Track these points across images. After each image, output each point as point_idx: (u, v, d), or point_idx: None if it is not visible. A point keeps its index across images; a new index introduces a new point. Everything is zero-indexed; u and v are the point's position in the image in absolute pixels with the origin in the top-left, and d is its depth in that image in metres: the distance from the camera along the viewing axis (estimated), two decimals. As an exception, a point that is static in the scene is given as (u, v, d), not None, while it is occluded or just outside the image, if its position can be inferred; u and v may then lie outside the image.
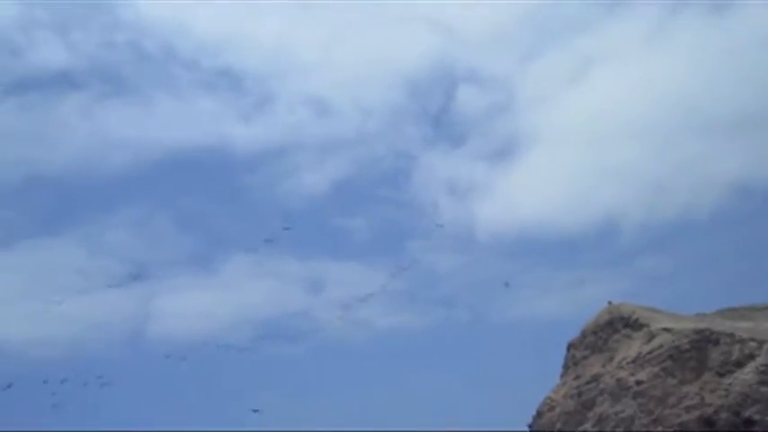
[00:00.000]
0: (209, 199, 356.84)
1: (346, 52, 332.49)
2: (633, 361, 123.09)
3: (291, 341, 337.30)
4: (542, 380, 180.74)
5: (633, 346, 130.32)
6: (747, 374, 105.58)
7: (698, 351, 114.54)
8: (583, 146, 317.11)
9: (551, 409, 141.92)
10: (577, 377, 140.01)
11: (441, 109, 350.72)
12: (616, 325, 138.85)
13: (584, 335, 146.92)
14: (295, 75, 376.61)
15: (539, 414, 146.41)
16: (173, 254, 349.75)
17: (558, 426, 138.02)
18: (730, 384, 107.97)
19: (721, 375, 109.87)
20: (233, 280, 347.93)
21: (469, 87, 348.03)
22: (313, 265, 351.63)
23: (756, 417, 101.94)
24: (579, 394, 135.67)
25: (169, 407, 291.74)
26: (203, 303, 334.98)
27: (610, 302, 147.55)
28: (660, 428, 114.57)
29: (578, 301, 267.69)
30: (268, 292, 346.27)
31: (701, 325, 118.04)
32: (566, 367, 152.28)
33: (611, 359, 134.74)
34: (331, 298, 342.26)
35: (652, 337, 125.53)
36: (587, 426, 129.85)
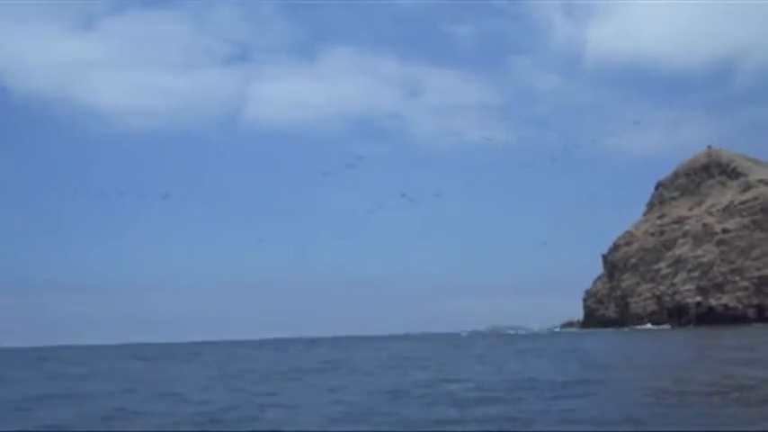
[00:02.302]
0: None
1: None
2: (724, 209, 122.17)
3: (380, 140, 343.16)
4: (625, 214, 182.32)
5: (726, 194, 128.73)
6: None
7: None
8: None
9: (629, 243, 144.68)
10: (662, 216, 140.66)
11: None
12: (712, 170, 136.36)
13: (676, 175, 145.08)
14: None
15: (615, 246, 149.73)
16: (277, 40, 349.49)
17: (633, 260, 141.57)
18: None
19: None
20: (332, 73, 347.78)
21: None
22: (412, 69, 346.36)
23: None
24: (661, 233, 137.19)
25: (256, 187, 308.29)
26: (300, 92, 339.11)
27: (709, 147, 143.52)
28: (738, 278, 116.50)
29: (676, 141, 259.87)
30: (365, 89, 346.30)
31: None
32: (651, 205, 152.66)
33: (701, 203, 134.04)
34: (426, 103, 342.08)
35: (748, 187, 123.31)
36: (662, 264, 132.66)
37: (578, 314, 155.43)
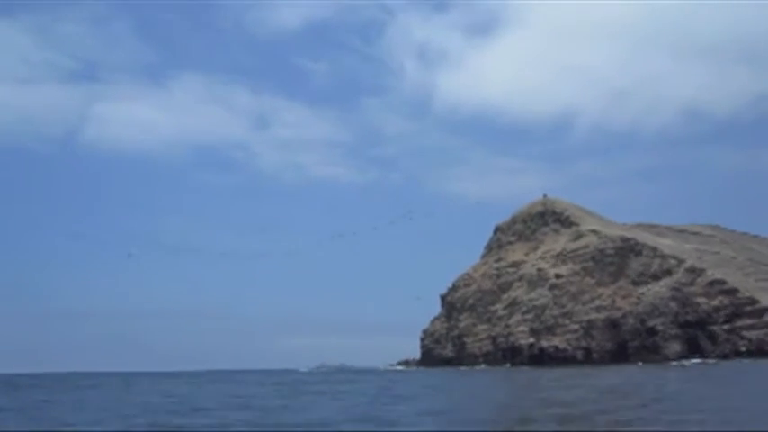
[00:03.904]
0: (176, 11, 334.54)
1: None
2: (557, 255, 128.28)
3: (226, 171, 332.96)
4: (463, 256, 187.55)
5: (559, 241, 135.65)
6: (661, 288, 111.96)
7: (620, 257, 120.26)
8: (561, 39, 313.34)
9: (467, 284, 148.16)
10: (499, 259, 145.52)
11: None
12: (547, 218, 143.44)
13: (513, 221, 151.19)
14: None
15: (454, 287, 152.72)
16: (126, 61, 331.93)
17: (471, 301, 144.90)
18: (643, 294, 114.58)
19: (636, 284, 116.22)
20: (181, 99, 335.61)
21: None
22: (263, 101, 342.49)
23: (660, 328, 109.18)
24: (498, 276, 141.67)
25: (81, 212, 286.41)
26: (146, 116, 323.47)
27: (545, 195, 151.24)
28: (568, 322, 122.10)
29: (514, 189, 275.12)
30: (213, 118, 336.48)
31: (628, 234, 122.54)
32: (489, 248, 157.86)
33: (536, 249, 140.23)
34: (274, 136, 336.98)
35: (579, 236, 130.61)
36: (498, 306, 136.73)
37: (416, 353, 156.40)
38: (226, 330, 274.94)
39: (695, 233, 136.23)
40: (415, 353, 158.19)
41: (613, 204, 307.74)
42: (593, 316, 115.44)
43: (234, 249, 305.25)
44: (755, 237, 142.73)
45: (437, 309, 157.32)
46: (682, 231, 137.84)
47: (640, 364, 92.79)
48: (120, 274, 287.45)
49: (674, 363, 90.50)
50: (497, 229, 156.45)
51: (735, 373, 52.37)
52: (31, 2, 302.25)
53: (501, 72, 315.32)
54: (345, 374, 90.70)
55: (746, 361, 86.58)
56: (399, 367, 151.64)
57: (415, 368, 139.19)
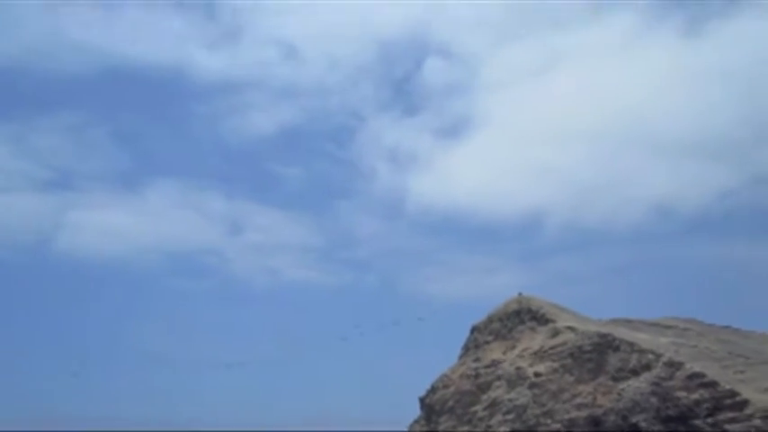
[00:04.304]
0: (150, 119, 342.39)
1: (326, 3, 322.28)
2: (535, 353, 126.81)
3: (198, 277, 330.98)
4: (441, 358, 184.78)
5: (537, 339, 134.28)
6: (641, 383, 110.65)
7: (598, 354, 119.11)
8: (529, 140, 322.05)
9: (446, 386, 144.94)
10: (477, 359, 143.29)
11: (404, 76, 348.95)
12: (523, 316, 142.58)
13: (490, 320, 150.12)
14: (271, 13, 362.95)
15: (433, 389, 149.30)
16: (100, 168, 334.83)
17: (451, 403, 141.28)
18: (623, 390, 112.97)
19: (616, 380, 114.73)
20: (155, 205, 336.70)
21: (438, 61, 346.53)
22: (238, 206, 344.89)
23: (643, 424, 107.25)
24: (476, 376, 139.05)
25: (59, 321, 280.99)
26: (120, 223, 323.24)
27: (520, 293, 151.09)
28: (549, 421, 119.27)
29: (489, 288, 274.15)
30: (187, 223, 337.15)
31: (605, 329, 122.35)
32: (466, 348, 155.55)
33: (513, 348, 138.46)
34: (247, 241, 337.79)
35: (556, 333, 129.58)
36: (479, 408, 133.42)
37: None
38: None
39: (670, 327, 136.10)
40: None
41: (588, 300, 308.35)
42: (575, 414, 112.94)
43: (204, 356, 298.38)
44: (731, 328, 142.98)
45: (416, 412, 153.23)
46: (656, 325, 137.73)
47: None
48: (98, 382, 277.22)
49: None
50: (474, 329, 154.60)
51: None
52: (7, 112, 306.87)
53: (469, 173, 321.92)
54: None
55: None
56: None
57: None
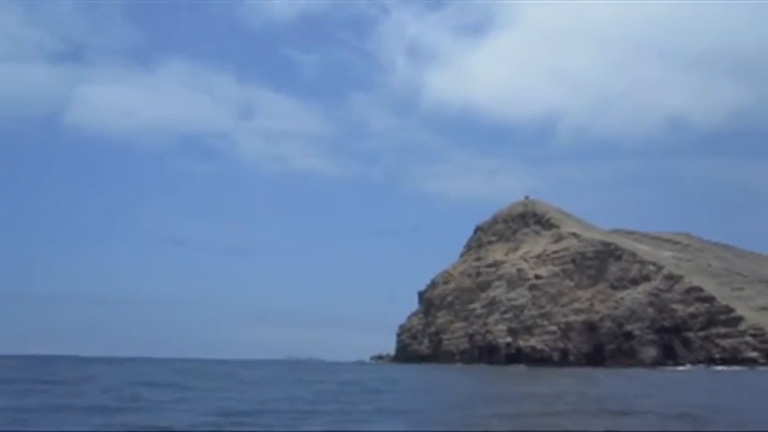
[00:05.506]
0: None
1: None
2: (537, 256, 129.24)
3: (205, 159, 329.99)
4: (442, 254, 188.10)
5: (540, 243, 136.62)
6: (639, 293, 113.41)
7: (600, 261, 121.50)
8: (550, 41, 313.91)
9: (446, 282, 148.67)
10: (479, 258, 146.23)
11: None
12: (528, 219, 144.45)
13: (494, 221, 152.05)
14: None
15: (433, 284, 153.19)
16: (113, 43, 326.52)
17: (449, 299, 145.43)
18: (621, 299, 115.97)
19: (615, 288, 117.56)
20: (166, 84, 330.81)
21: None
22: (250, 90, 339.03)
23: (636, 332, 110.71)
24: (477, 274, 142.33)
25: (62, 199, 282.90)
26: (130, 101, 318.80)
27: (527, 197, 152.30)
28: (546, 323, 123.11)
29: (494, 190, 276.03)
30: (197, 105, 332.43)
31: (608, 238, 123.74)
32: (468, 247, 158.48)
33: (516, 249, 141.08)
34: (257, 126, 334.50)
35: (560, 238, 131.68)
36: (477, 305, 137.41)
37: (390, 348, 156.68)
38: (197, 319, 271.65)
39: (671, 241, 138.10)
40: (390, 349, 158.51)
41: (592, 209, 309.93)
42: (572, 318, 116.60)
43: (211, 239, 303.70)
44: (729, 246, 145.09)
45: (414, 305, 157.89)
46: (658, 238, 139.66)
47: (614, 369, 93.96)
48: (98, 258, 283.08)
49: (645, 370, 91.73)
50: (478, 229, 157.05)
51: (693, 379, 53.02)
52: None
53: (488, 73, 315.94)
54: (306, 366, 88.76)
55: (720, 368, 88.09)
56: (370, 362, 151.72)
57: (386, 363, 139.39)
